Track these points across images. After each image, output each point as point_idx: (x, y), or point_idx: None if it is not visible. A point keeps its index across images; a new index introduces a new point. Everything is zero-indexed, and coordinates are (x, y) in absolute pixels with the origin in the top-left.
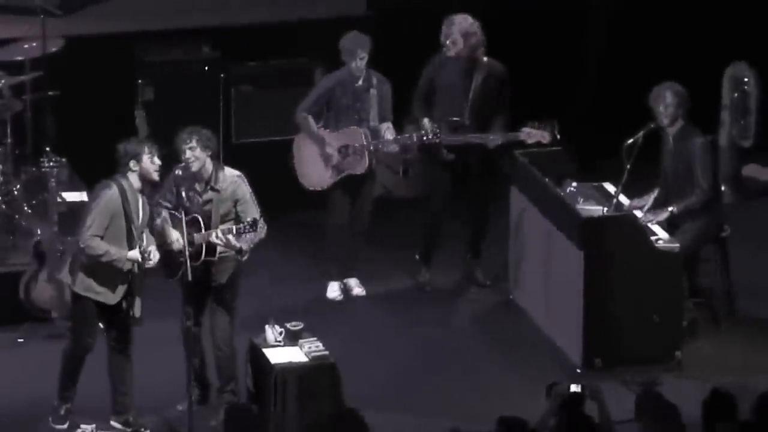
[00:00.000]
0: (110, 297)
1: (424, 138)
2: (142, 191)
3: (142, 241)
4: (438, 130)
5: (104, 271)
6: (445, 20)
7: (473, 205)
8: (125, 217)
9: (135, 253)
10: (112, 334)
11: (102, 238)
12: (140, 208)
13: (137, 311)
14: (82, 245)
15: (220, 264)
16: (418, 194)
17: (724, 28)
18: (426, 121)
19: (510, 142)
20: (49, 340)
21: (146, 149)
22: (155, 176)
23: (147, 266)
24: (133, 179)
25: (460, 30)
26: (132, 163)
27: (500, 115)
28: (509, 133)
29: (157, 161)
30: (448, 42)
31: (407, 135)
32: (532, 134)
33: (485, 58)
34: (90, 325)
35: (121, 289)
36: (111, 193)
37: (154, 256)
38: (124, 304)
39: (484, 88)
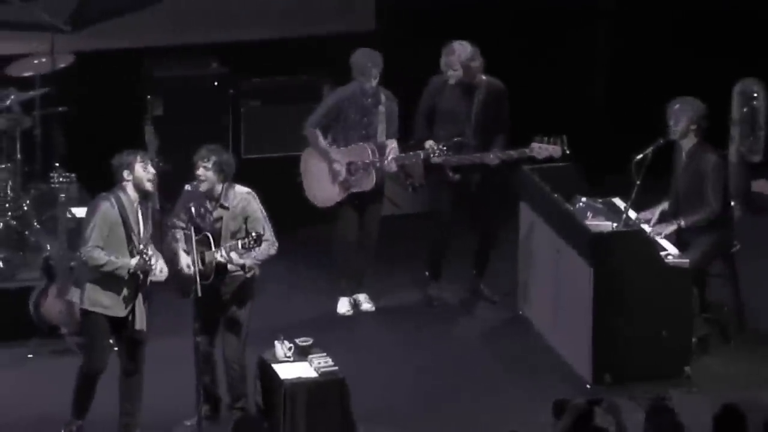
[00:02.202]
0: (119, 310)
1: (431, 156)
2: (146, 200)
3: (147, 250)
4: (445, 149)
5: (110, 284)
6: (444, 48)
7: (478, 224)
8: (124, 226)
9: (137, 261)
10: (123, 352)
11: (102, 249)
12: (140, 218)
13: (139, 323)
14: (83, 257)
15: (232, 282)
16: (427, 210)
17: (734, 44)
18: (430, 142)
19: (520, 158)
20: (58, 355)
21: (138, 158)
22: (148, 185)
23: (155, 279)
24: (130, 190)
25: (461, 59)
26: (125, 173)
27: (500, 133)
28: (518, 149)
29: (151, 170)
30: (450, 72)
31: (413, 153)
32: (543, 149)
33: (483, 77)
34: (102, 341)
35: (130, 302)
36: (108, 204)
37: (163, 270)
38: (131, 318)
39: (485, 108)
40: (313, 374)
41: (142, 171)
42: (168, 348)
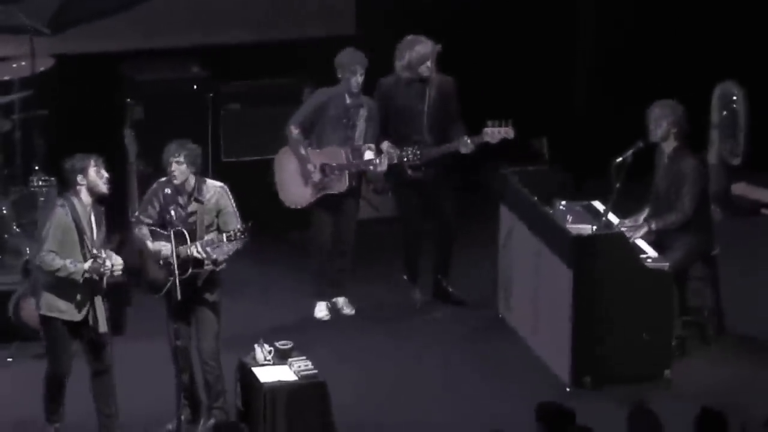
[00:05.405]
0: (75, 314)
1: (405, 158)
2: (101, 202)
3: (100, 253)
4: (418, 151)
5: (65, 288)
6: (416, 46)
7: (436, 220)
8: (77, 230)
9: (90, 263)
10: (88, 355)
11: (57, 253)
12: (93, 221)
13: (101, 326)
14: (38, 262)
15: (203, 277)
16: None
17: (713, 47)
18: (386, 144)
19: (477, 146)
20: (38, 359)
21: (92, 162)
22: (103, 188)
23: (108, 273)
24: (83, 194)
25: (419, 58)
26: (79, 178)
27: (457, 125)
28: (473, 137)
29: (104, 173)
30: (424, 67)
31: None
32: (495, 133)
33: (435, 75)
34: (63, 346)
35: (85, 305)
36: (60, 210)
37: (117, 265)
38: (90, 321)
39: (437, 104)
40: (293, 377)
41: (96, 175)
42: (148, 350)
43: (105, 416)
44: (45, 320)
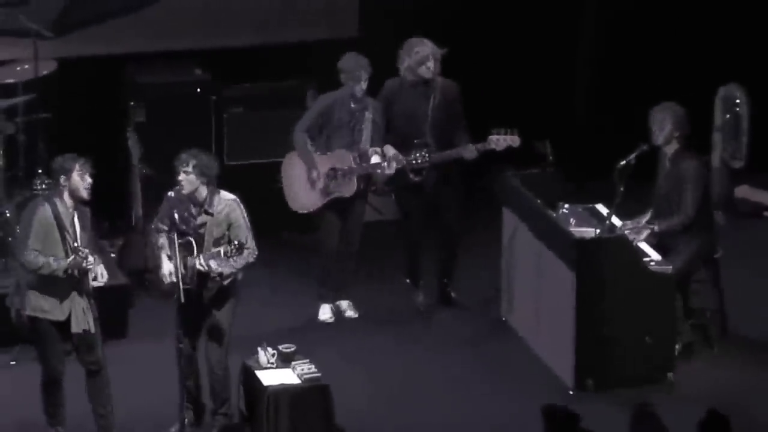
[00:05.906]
0: (58, 313)
1: (414, 161)
2: (86, 203)
3: (83, 248)
4: (426, 154)
5: (48, 287)
6: (416, 47)
7: (439, 224)
8: (59, 228)
9: (72, 258)
10: (78, 355)
11: (40, 252)
12: (76, 223)
13: (75, 326)
14: (21, 261)
15: (214, 286)
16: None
17: (716, 50)
18: (391, 149)
19: (482, 153)
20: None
21: (77, 166)
22: (83, 194)
23: (96, 284)
24: (65, 196)
25: (418, 59)
26: (62, 179)
27: (461, 130)
28: (477, 144)
29: (88, 179)
30: (424, 67)
31: (399, 156)
32: (501, 140)
33: (439, 78)
34: (51, 346)
35: (67, 305)
36: (42, 209)
37: (104, 275)
38: (71, 321)
39: (441, 108)
40: (297, 381)
41: (79, 179)
42: (152, 354)
43: (99, 416)
44: (31, 321)
